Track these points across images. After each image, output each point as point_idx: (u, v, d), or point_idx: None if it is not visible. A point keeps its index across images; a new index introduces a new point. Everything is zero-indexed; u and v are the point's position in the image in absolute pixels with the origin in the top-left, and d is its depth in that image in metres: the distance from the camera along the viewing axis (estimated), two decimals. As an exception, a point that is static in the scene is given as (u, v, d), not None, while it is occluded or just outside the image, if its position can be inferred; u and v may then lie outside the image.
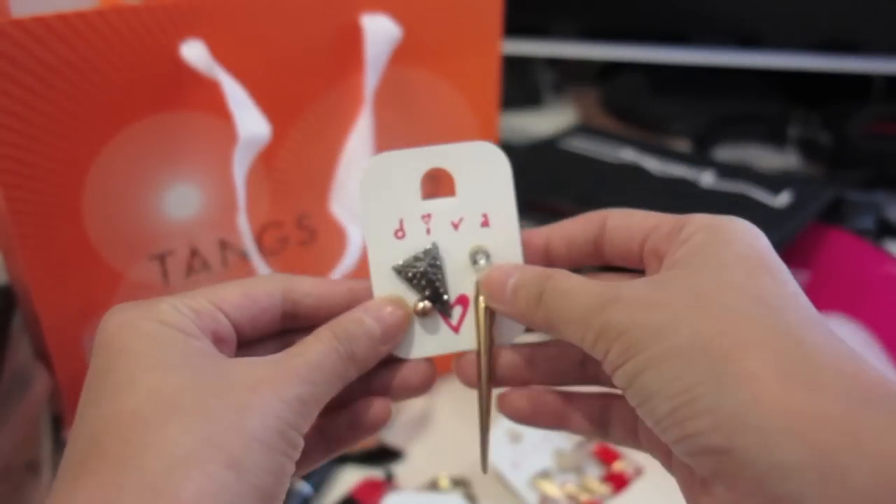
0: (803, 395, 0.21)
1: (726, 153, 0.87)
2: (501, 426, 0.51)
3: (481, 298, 0.30)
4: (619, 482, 0.48)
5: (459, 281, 0.31)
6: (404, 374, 0.31)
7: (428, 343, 0.31)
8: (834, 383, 0.22)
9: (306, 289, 0.29)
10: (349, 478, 0.49)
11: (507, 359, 0.32)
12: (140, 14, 0.36)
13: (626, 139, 0.75)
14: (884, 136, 0.79)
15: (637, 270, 0.30)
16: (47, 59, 0.35)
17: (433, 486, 0.49)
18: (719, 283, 0.25)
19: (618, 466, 0.49)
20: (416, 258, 0.30)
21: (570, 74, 1.08)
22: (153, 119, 0.39)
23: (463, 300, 0.31)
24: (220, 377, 0.24)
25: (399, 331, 0.29)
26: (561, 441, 0.51)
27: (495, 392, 0.32)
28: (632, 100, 0.95)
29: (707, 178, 0.65)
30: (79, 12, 0.35)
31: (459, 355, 0.32)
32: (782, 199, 0.61)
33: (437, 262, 0.30)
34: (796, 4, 0.80)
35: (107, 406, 0.23)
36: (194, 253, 0.43)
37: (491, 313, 0.30)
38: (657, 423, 0.24)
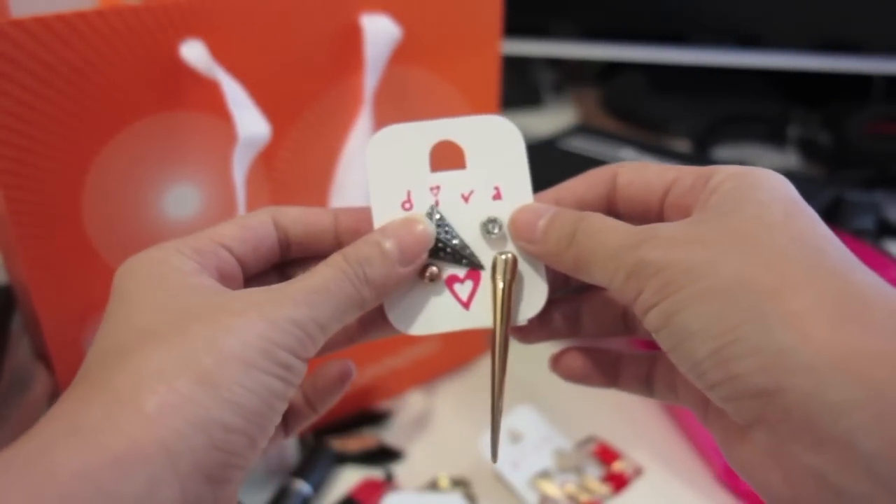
0: (854, 334, 0.21)
1: (726, 153, 0.87)
2: (502, 426, 0.51)
3: (499, 274, 0.29)
4: (618, 482, 0.48)
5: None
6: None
7: (434, 318, 0.29)
8: (884, 321, 0.21)
9: (293, 215, 0.30)
10: (349, 478, 0.49)
11: (556, 312, 0.31)
12: (140, 14, 0.36)
13: (626, 139, 0.75)
14: (884, 136, 0.79)
15: None
16: (47, 59, 0.35)
17: (433, 486, 0.49)
18: (758, 222, 0.24)
19: (617, 466, 0.49)
20: None
21: (570, 74, 1.08)
22: (153, 119, 0.39)
23: (474, 275, 0.30)
24: (210, 306, 0.25)
25: (420, 249, 0.28)
26: (561, 441, 0.51)
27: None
28: (632, 100, 0.95)
29: (707, 178, 0.65)
30: (79, 12, 0.35)
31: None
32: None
33: (444, 222, 0.29)
34: (796, 4, 0.80)
35: (101, 342, 0.24)
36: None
37: (509, 290, 0.29)
38: (695, 366, 0.23)
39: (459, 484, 0.49)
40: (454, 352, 0.58)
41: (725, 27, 0.83)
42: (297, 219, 0.30)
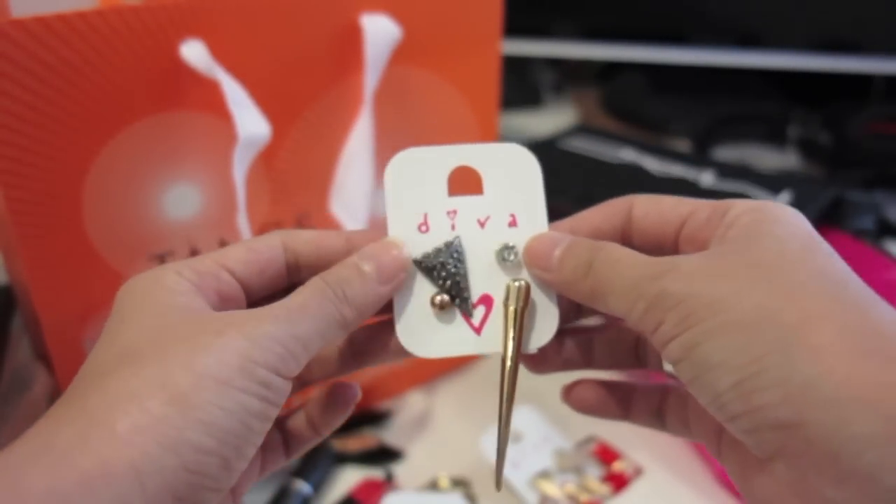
0: (876, 367, 0.21)
1: (726, 153, 0.87)
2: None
3: (512, 301, 0.29)
4: (618, 482, 0.48)
5: (484, 280, 0.30)
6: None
7: (445, 341, 0.30)
8: None
9: (305, 238, 0.30)
10: (349, 478, 0.49)
11: (569, 344, 0.32)
12: (140, 14, 0.36)
13: (626, 139, 0.75)
14: (884, 136, 0.79)
15: None
16: (47, 59, 0.35)
17: (433, 486, 0.49)
18: (778, 256, 0.24)
19: (618, 466, 0.49)
20: (438, 250, 0.29)
21: (570, 74, 1.08)
22: (153, 119, 0.39)
23: (486, 300, 0.30)
24: (191, 326, 0.25)
25: (397, 270, 0.28)
26: (561, 441, 0.51)
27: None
28: (632, 100, 0.95)
29: (707, 178, 0.65)
30: (79, 12, 0.35)
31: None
32: (782, 199, 0.61)
33: (459, 256, 0.30)
34: (796, 4, 0.80)
35: (85, 367, 0.25)
36: (194, 253, 0.43)
37: (521, 317, 0.29)
38: (716, 398, 0.23)
39: (459, 484, 0.49)
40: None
41: (725, 27, 0.83)
42: (309, 241, 0.30)
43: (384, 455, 0.51)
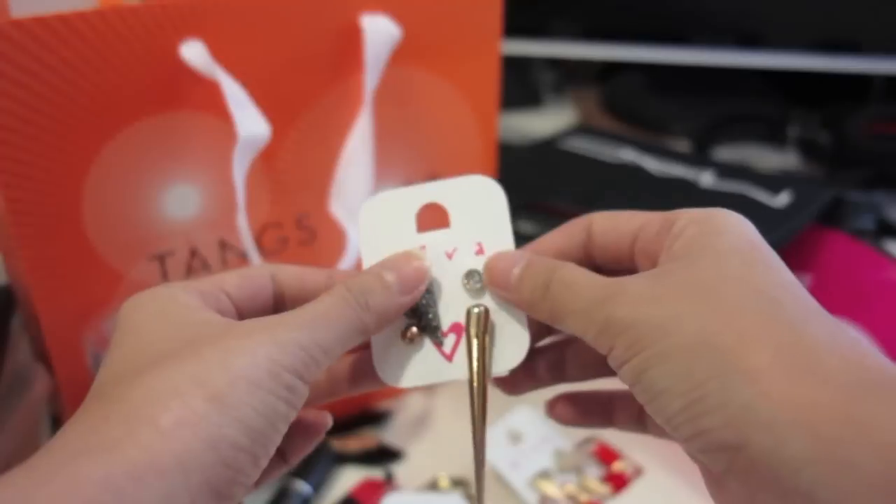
0: (809, 388, 0.22)
1: (726, 153, 0.87)
2: (501, 426, 0.51)
3: (472, 327, 0.30)
4: (618, 482, 0.48)
5: (453, 309, 0.31)
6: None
7: (419, 371, 0.31)
8: (838, 373, 0.22)
9: (291, 272, 0.31)
10: (349, 478, 0.49)
11: (541, 360, 0.32)
12: (140, 14, 0.36)
13: (626, 139, 0.75)
14: (884, 136, 0.79)
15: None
16: (47, 59, 0.35)
17: (433, 486, 0.49)
18: (718, 275, 0.25)
19: (617, 466, 0.49)
20: None
21: (570, 74, 1.08)
22: (153, 119, 0.39)
23: (457, 328, 0.31)
24: (219, 331, 0.26)
25: (418, 280, 0.30)
26: (561, 441, 0.51)
27: (543, 396, 0.33)
28: (632, 100, 0.95)
29: (707, 178, 0.65)
30: (79, 12, 0.35)
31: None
32: (782, 199, 0.61)
33: (430, 289, 0.31)
34: (796, 4, 0.80)
35: (113, 365, 0.25)
36: (194, 253, 0.43)
37: (482, 342, 0.30)
38: (668, 421, 0.24)
39: (459, 484, 0.49)
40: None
41: (725, 27, 0.83)
42: (294, 276, 0.31)
43: (384, 455, 0.51)
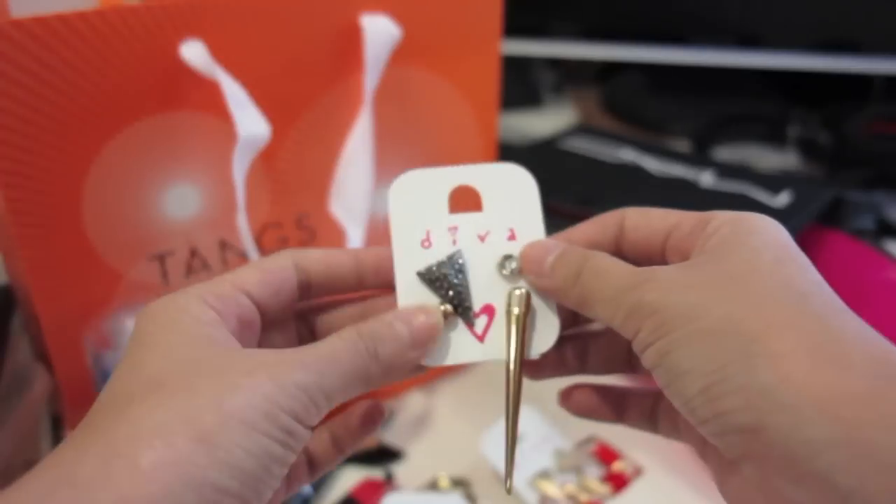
0: (832, 373, 0.22)
1: (726, 153, 0.87)
2: (502, 426, 0.51)
3: (514, 308, 0.30)
4: (618, 482, 0.48)
5: (486, 291, 0.31)
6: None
7: (450, 350, 0.30)
8: (861, 362, 0.22)
9: (315, 256, 0.30)
10: (349, 478, 0.49)
11: (566, 350, 0.33)
12: (140, 14, 0.36)
13: (626, 139, 0.75)
14: (884, 136, 0.79)
15: None
16: (47, 60, 0.35)
17: (433, 486, 0.49)
18: (749, 268, 0.25)
19: (618, 466, 0.49)
20: (440, 263, 0.31)
21: (570, 74, 1.08)
22: (153, 119, 0.39)
23: (488, 310, 0.31)
24: (220, 362, 0.25)
25: (429, 338, 0.29)
26: (561, 441, 0.51)
27: (556, 385, 0.33)
28: (632, 100, 0.95)
29: (707, 178, 0.65)
30: (79, 12, 0.35)
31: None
32: (782, 199, 0.61)
33: (462, 267, 0.31)
34: (796, 4, 0.80)
35: (109, 389, 0.25)
36: (194, 253, 0.43)
37: (523, 323, 0.30)
38: (687, 402, 0.24)
39: (459, 484, 0.49)
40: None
41: (725, 27, 0.83)
42: (319, 260, 0.30)
43: (384, 455, 0.51)
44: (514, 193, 0.32)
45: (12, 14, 0.34)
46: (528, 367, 0.33)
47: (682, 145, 0.88)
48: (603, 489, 0.48)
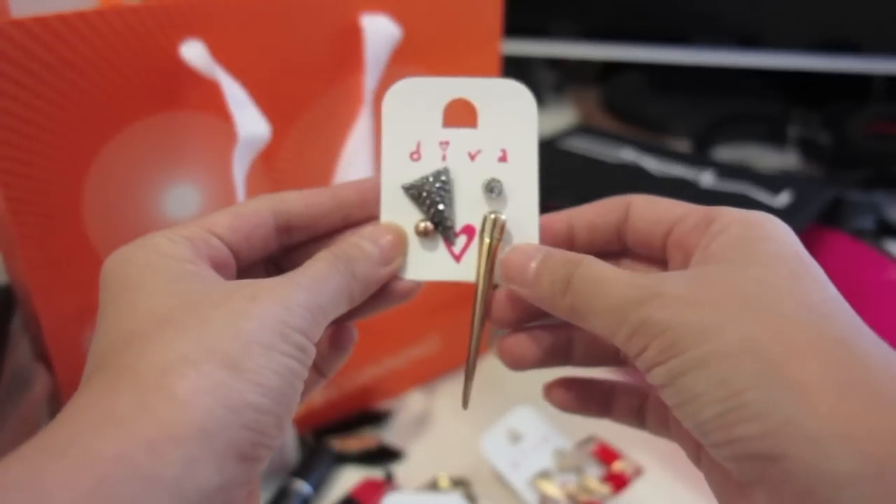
0: (860, 404, 0.21)
1: (726, 153, 0.87)
2: (501, 426, 0.51)
3: (486, 233, 0.30)
4: (618, 482, 0.48)
5: (469, 211, 0.30)
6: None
7: (427, 266, 0.31)
8: (889, 392, 0.21)
9: (293, 199, 0.30)
10: (349, 478, 0.49)
11: (547, 341, 0.32)
12: (140, 14, 0.36)
13: (626, 139, 0.75)
14: (884, 136, 0.79)
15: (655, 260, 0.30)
16: (47, 59, 0.35)
17: (433, 486, 0.49)
18: (765, 284, 0.24)
19: (618, 466, 0.49)
20: (426, 178, 0.30)
21: (570, 74, 1.08)
22: (153, 119, 0.39)
23: (469, 230, 0.31)
24: (219, 292, 0.25)
25: (396, 253, 0.30)
26: (561, 441, 0.51)
27: (538, 378, 0.33)
28: (632, 100, 0.95)
29: (707, 178, 0.65)
30: (79, 12, 0.35)
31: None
32: (782, 199, 0.61)
33: (447, 185, 0.30)
34: (796, 4, 0.80)
35: (110, 331, 0.24)
36: (194, 253, 0.43)
37: (494, 251, 0.30)
38: (700, 426, 0.23)
39: (459, 484, 0.49)
40: (454, 352, 0.58)
41: (725, 27, 0.83)
42: (298, 201, 0.30)
43: (384, 455, 0.51)
44: (511, 113, 0.31)
45: (12, 14, 0.34)
46: (506, 354, 0.32)
47: (682, 145, 0.88)
48: (603, 489, 0.48)
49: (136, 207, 0.40)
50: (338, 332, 0.31)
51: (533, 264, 0.28)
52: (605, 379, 0.33)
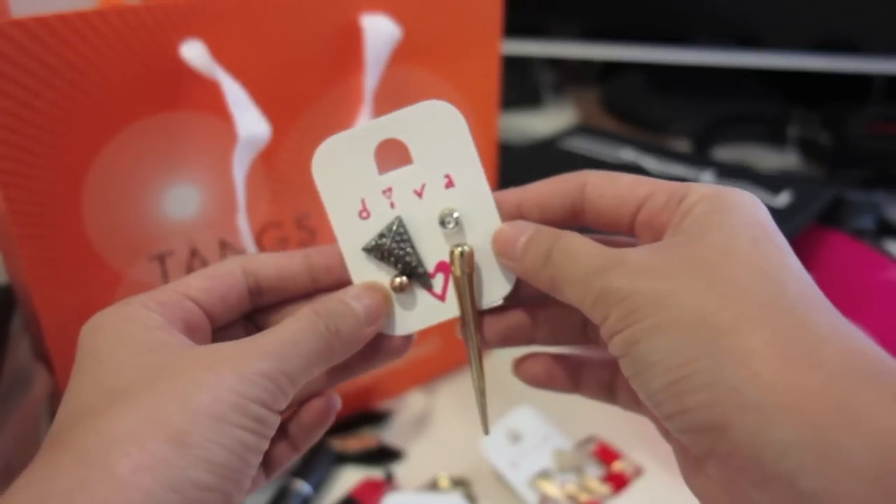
0: (802, 373, 0.21)
1: (726, 153, 0.87)
2: (501, 426, 0.51)
3: (457, 268, 0.29)
4: (618, 482, 0.48)
5: (436, 248, 0.30)
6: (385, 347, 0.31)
7: (414, 317, 0.30)
8: (833, 360, 0.21)
9: (263, 260, 0.30)
10: (349, 478, 0.49)
11: (512, 319, 0.31)
12: (140, 14, 0.36)
13: (626, 139, 0.75)
14: (884, 136, 0.79)
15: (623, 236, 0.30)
16: (47, 59, 0.35)
17: (433, 486, 0.49)
18: (723, 251, 0.24)
19: (618, 466, 0.49)
20: (381, 235, 0.30)
21: (570, 74, 1.08)
22: (153, 119, 0.39)
23: (443, 266, 0.30)
24: (178, 362, 0.25)
25: (381, 312, 0.29)
26: (561, 441, 0.51)
27: (509, 356, 0.32)
28: (632, 100, 0.95)
29: (707, 178, 0.65)
30: (79, 12, 0.35)
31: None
32: (782, 199, 0.61)
33: (404, 234, 0.30)
34: (796, 4, 0.80)
35: (68, 405, 0.24)
36: (194, 253, 0.43)
37: (469, 278, 0.30)
38: (652, 396, 0.24)
39: (459, 484, 0.49)
40: (454, 352, 0.58)
41: (725, 27, 0.83)
42: (268, 264, 0.30)
43: (384, 455, 0.51)
44: (440, 134, 0.29)
45: (12, 14, 0.34)
46: (482, 331, 0.32)
47: (682, 145, 0.88)
48: (603, 489, 0.48)
49: (136, 207, 0.40)
50: (316, 403, 0.31)
51: (522, 239, 0.29)
52: (574, 354, 0.33)
